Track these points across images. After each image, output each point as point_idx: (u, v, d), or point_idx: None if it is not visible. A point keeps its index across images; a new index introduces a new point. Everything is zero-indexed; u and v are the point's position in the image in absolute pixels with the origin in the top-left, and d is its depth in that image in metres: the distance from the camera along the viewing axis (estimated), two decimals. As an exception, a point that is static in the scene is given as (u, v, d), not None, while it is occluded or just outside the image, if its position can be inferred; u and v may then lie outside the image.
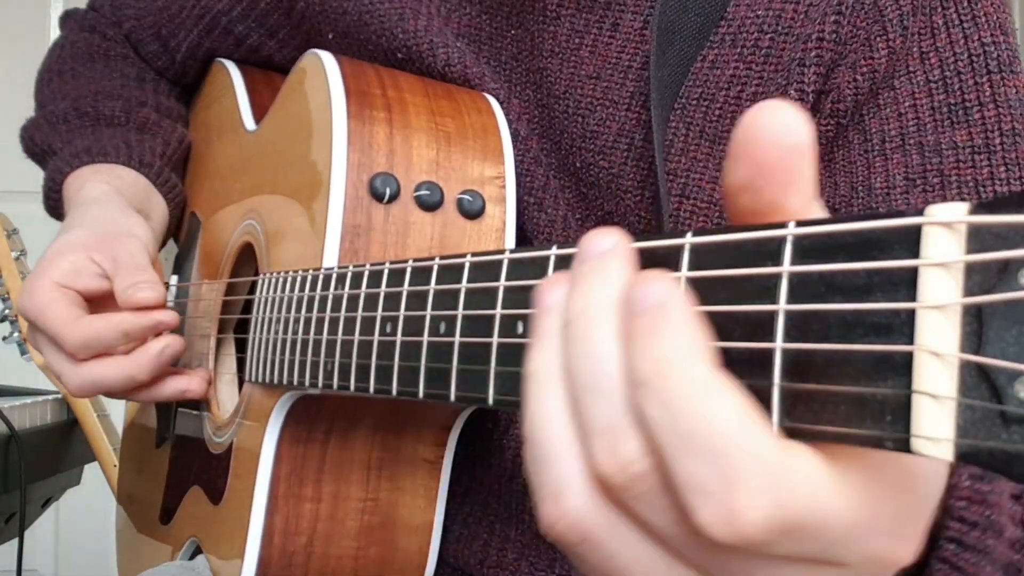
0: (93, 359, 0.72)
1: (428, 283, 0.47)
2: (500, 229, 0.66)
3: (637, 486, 0.30)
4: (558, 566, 0.69)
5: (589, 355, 0.31)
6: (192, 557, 0.83)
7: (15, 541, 1.27)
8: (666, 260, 0.32)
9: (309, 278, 0.61)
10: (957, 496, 0.39)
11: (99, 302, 0.73)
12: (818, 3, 0.60)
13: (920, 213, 0.25)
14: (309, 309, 0.60)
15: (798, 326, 0.28)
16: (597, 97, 0.67)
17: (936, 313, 0.25)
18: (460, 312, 0.44)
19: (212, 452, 0.79)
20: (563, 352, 0.32)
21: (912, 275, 0.25)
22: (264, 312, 0.68)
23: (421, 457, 0.69)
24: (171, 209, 0.90)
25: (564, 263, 0.37)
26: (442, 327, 0.45)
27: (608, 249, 0.32)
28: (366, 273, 0.54)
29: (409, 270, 0.49)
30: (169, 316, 0.73)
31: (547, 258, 0.38)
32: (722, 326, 0.30)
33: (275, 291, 0.66)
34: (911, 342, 0.25)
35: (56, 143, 0.88)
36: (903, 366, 0.25)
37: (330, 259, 0.62)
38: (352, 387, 0.54)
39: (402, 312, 0.49)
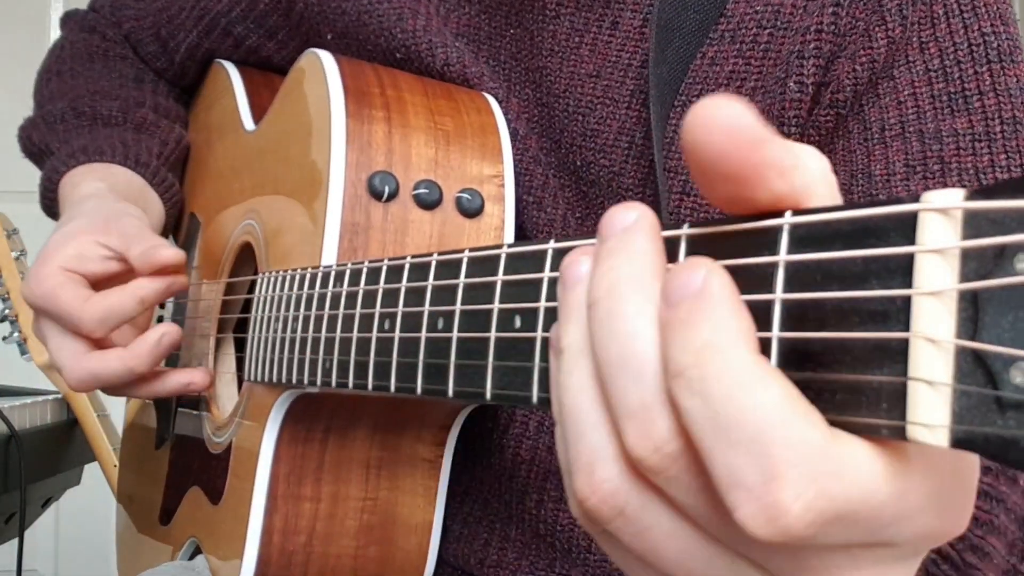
0: (92, 353, 0.72)
1: (426, 279, 0.47)
2: (499, 228, 0.66)
3: (671, 468, 0.29)
4: (558, 565, 0.68)
5: (617, 334, 0.30)
6: (192, 557, 0.83)
7: (15, 541, 1.27)
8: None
9: (308, 276, 0.61)
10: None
11: (105, 286, 0.73)
12: None
13: (916, 200, 0.25)
14: (308, 307, 0.60)
15: (795, 315, 0.28)
16: (597, 95, 0.66)
17: (932, 299, 0.25)
18: (458, 307, 0.44)
19: (211, 452, 0.79)
20: (590, 330, 0.31)
21: (908, 262, 0.25)
22: (263, 311, 0.68)
23: (420, 456, 0.69)
24: (167, 209, 0.90)
25: (561, 257, 0.37)
26: (440, 323, 0.45)
27: (631, 224, 0.31)
28: (364, 270, 0.54)
29: (407, 266, 0.49)
30: (181, 278, 0.73)
31: (544, 252, 0.38)
32: None
33: (274, 290, 0.66)
34: (907, 329, 0.25)
35: (53, 143, 0.88)
36: (899, 353, 0.25)
37: (329, 257, 0.62)
38: (351, 384, 0.54)
39: (400, 308, 0.49)
